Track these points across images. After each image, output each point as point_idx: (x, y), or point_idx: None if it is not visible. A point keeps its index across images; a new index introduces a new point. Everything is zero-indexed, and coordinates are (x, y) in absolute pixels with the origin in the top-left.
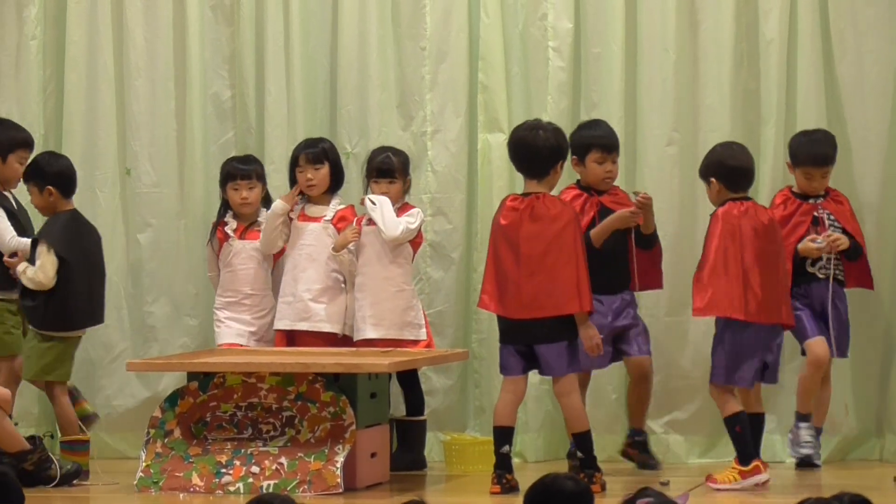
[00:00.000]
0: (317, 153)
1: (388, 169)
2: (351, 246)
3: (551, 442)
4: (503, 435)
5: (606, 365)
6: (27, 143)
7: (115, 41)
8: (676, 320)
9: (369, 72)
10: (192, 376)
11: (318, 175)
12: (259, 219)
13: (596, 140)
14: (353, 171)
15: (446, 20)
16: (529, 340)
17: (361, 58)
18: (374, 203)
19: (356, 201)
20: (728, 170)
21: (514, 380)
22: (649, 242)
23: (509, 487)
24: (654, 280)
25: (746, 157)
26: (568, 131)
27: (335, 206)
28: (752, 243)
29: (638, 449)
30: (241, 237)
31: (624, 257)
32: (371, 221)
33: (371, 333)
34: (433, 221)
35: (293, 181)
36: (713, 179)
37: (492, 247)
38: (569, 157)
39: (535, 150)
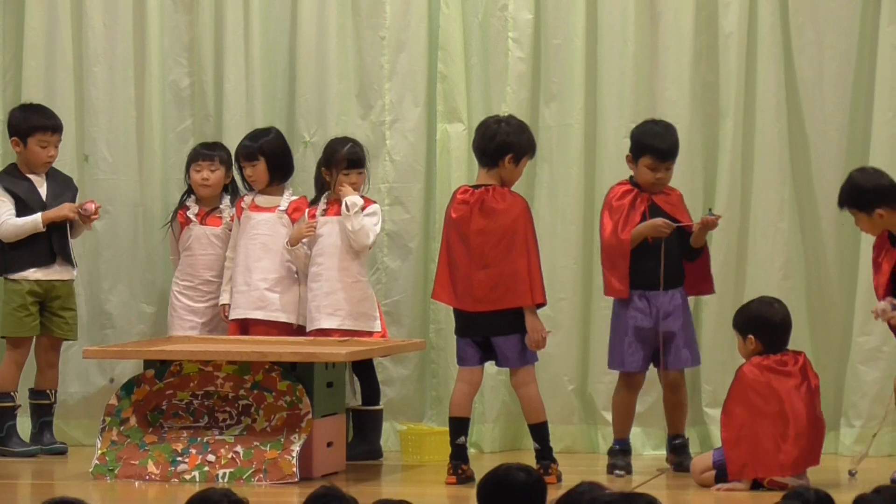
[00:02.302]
0: (251, 150)
1: (359, 159)
2: (304, 239)
3: (507, 432)
4: (459, 425)
5: (643, 367)
6: (46, 127)
7: (73, 27)
8: None
9: (328, 61)
10: (148, 364)
11: (256, 171)
12: (220, 205)
13: (651, 147)
14: (311, 160)
15: (406, 10)
16: (485, 332)
17: (320, 46)
18: (347, 210)
19: (315, 190)
20: (771, 327)
21: (469, 370)
22: (695, 255)
23: (465, 478)
24: (705, 286)
25: (787, 314)
26: (531, 124)
27: (288, 196)
28: None
29: (675, 452)
30: (202, 222)
31: (676, 252)
32: (326, 212)
33: (326, 323)
34: (391, 211)
35: (241, 175)
36: (751, 336)
37: (444, 239)
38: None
39: (487, 137)
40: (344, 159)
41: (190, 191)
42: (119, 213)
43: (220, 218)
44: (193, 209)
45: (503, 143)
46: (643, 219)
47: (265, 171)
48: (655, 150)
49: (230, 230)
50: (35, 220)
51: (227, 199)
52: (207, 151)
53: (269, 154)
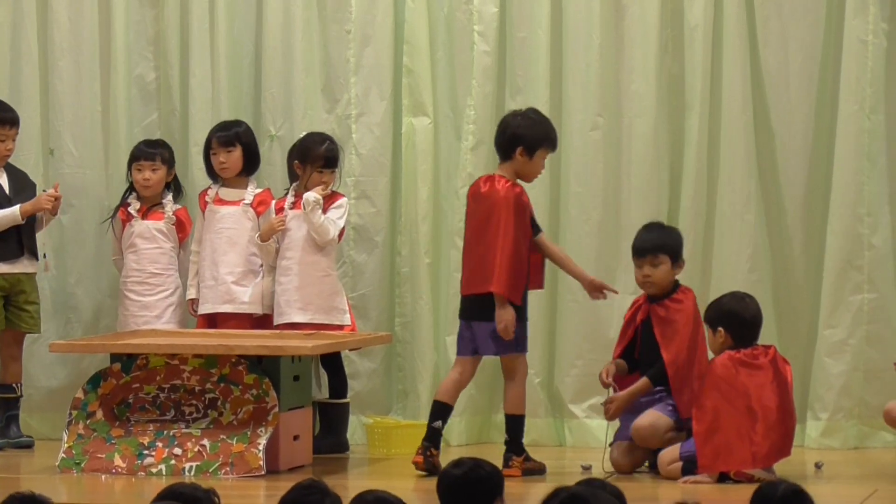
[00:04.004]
0: (229, 136)
1: (335, 157)
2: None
3: (473, 426)
4: (440, 410)
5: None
6: (3, 121)
7: (38, 21)
8: (599, 304)
9: (294, 55)
10: (114, 357)
11: (231, 158)
12: (163, 201)
13: (632, 247)
14: (278, 154)
15: (372, 4)
16: (467, 316)
17: (286, 40)
18: (305, 207)
19: (281, 184)
20: (740, 322)
21: (461, 360)
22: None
23: (431, 463)
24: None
25: (758, 309)
26: (496, 117)
27: (253, 190)
28: None
29: None
30: (144, 217)
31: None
32: (294, 206)
33: (297, 317)
34: (357, 205)
35: (208, 164)
36: (721, 329)
37: None
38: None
39: (501, 129)
40: (321, 158)
41: (132, 188)
42: (85, 206)
43: (163, 213)
44: (135, 205)
45: (514, 136)
46: (635, 332)
47: (240, 158)
48: (634, 248)
49: (173, 224)
50: (13, 212)
51: (169, 195)
52: (149, 150)
53: (245, 143)
